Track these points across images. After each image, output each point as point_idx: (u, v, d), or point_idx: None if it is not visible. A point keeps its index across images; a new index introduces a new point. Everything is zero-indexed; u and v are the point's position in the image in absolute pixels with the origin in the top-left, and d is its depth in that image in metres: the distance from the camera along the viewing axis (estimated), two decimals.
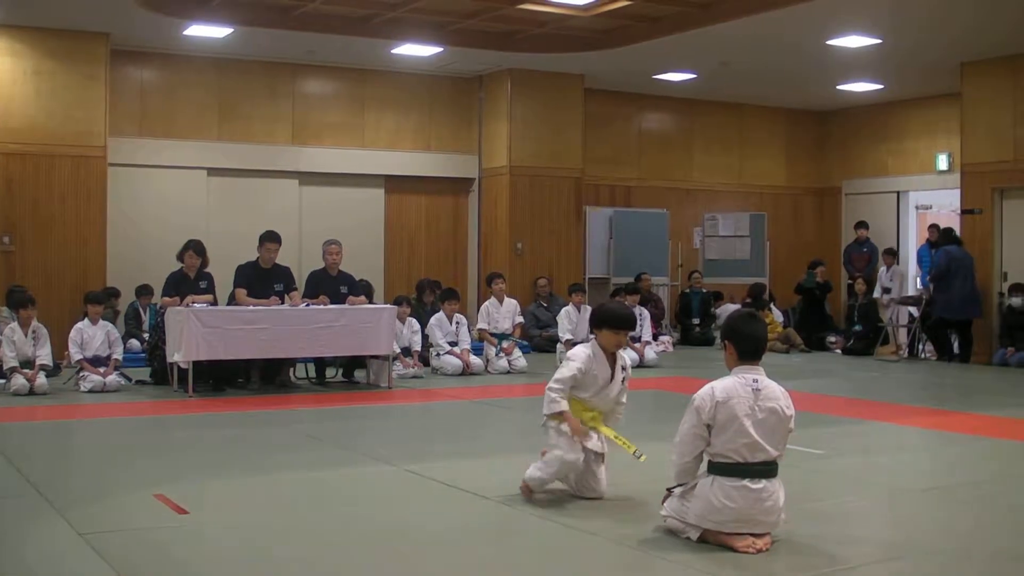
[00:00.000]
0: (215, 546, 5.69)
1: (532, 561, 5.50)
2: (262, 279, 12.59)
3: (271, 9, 14.66)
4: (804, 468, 7.42)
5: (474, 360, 14.14)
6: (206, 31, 15.03)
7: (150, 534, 5.88)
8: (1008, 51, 15.58)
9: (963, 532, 6.15)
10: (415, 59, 16.93)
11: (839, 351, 17.75)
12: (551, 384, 6.52)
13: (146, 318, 15.10)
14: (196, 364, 11.64)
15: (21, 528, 5.97)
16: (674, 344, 17.85)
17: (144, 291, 15.15)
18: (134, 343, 14.54)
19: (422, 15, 14.93)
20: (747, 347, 5.66)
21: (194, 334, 11.43)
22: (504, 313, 14.80)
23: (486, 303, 15.03)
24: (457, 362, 13.98)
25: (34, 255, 14.78)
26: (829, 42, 15.21)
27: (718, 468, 5.54)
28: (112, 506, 6.53)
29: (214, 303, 12.41)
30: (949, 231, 16.55)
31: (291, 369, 12.94)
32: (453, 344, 14.17)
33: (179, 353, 11.55)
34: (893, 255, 18.64)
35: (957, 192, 16.89)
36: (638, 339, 15.19)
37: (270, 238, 12.74)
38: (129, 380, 12.41)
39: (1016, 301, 15.40)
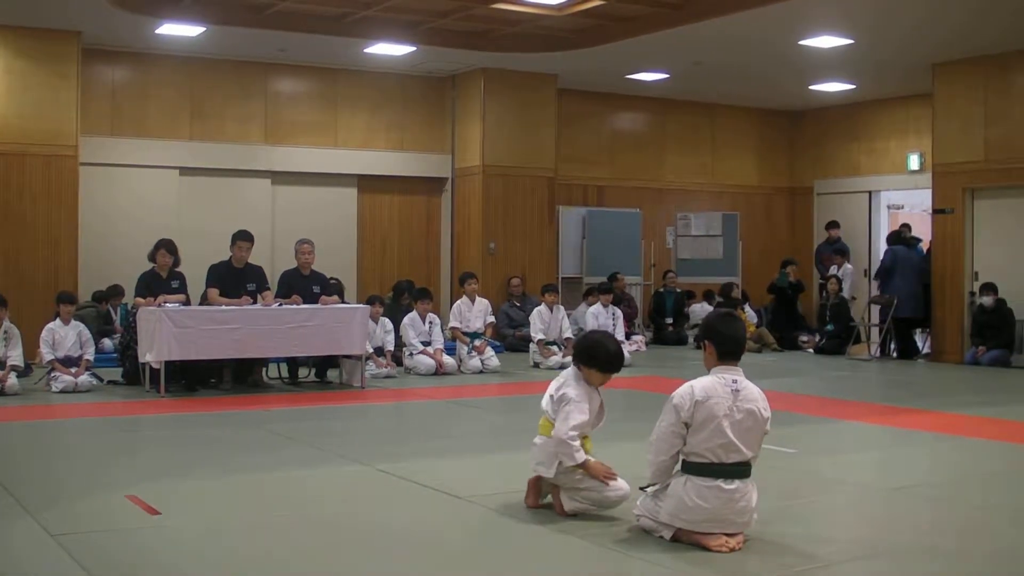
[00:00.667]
0: (187, 547, 5.66)
1: (505, 561, 5.50)
2: (235, 279, 12.56)
3: (243, 8, 14.61)
4: (776, 467, 7.44)
5: (447, 360, 14.13)
6: (178, 30, 14.97)
7: (122, 535, 5.85)
8: (979, 52, 15.67)
9: (932, 530, 6.20)
10: (388, 58, 16.90)
11: (811, 350, 17.83)
12: (569, 432, 6.02)
13: (116, 317, 15.03)
14: (168, 364, 11.60)
15: None
16: (647, 343, 17.88)
17: (114, 291, 15.07)
18: (106, 343, 14.46)
19: (395, 14, 14.91)
20: (727, 347, 5.66)
21: (166, 334, 11.38)
22: (476, 312, 14.80)
23: (458, 302, 15.03)
24: (430, 362, 13.98)
25: (5, 255, 14.67)
26: (801, 42, 15.26)
27: (692, 467, 5.54)
28: (84, 507, 6.50)
29: (187, 303, 12.37)
30: (898, 232, 17.39)
31: (264, 369, 12.92)
32: (426, 344, 14.17)
33: (151, 353, 11.50)
34: (843, 254, 18.92)
35: (928, 192, 16.97)
36: None
37: (243, 237, 12.71)
38: (101, 380, 12.35)
39: (987, 300, 15.49)
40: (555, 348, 15.03)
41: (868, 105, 20.13)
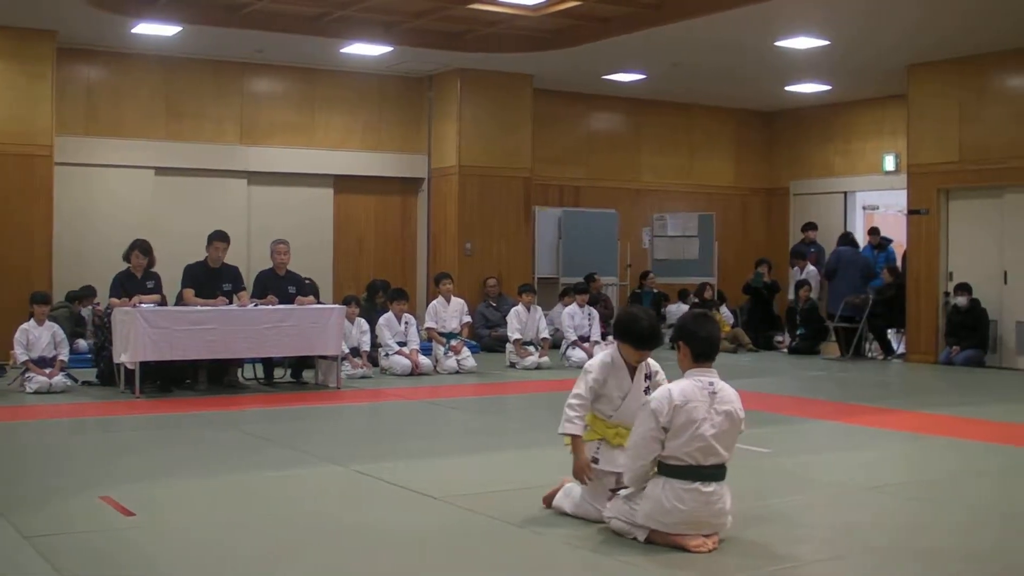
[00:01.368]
0: (162, 548, 5.65)
1: (481, 562, 5.50)
2: (210, 279, 12.51)
3: (219, 8, 14.56)
4: (751, 467, 7.46)
5: (423, 360, 14.11)
6: (154, 29, 14.90)
7: (96, 537, 5.83)
8: (954, 54, 15.73)
9: (906, 530, 6.22)
10: (364, 58, 16.88)
11: (786, 350, 17.89)
12: (569, 400, 6.09)
13: (87, 321, 14.94)
14: (143, 365, 11.55)
15: None
16: None
17: (88, 292, 14.97)
18: (81, 343, 14.39)
19: (372, 14, 14.89)
20: (701, 348, 5.67)
21: (141, 334, 11.33)
22: (452, 312, 14.78)
23: (434, 302, 15.01)
24: (406, 362, 13.96)
25: None
26: (778, 43, 15.30)
27: (670, 470, 5.54)
28: (58, 508, 6.47)
29: (162, 303, 12.33)
30: (847, 234, 18.26)
31: (239, 370, 12.88)
32: (402, 344, 14.15)
33: (126, 354, 11.46)
34: (803, 257, 19.01)
35: (903, 193, 17.03)
36: (587, 339, 15.28)
37: (219, 237, 12.66)
38: (75, 381, 12.29)
39: (961, 301, 15.57)
40: (531, 348, 15.04)
41: (844, 106, 20.20)
